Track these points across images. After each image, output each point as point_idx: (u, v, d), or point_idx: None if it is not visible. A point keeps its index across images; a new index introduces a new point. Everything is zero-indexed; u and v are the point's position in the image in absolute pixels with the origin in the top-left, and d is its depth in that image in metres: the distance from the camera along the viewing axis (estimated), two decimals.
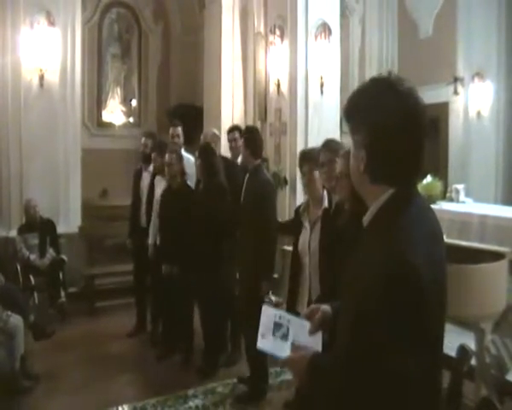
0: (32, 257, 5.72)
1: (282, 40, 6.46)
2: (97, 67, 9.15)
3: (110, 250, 6.60)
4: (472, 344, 3.33)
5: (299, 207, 3.37)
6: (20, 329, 4.19)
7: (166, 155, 4.72)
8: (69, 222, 6.37)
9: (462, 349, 3.29)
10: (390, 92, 1.29)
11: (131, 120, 9.60)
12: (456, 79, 7.88)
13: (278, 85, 6.51)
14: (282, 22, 6.43)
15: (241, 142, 4.53)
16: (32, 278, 5.63)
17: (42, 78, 6.12)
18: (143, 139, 5.54)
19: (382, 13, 8.90)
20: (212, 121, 7.20)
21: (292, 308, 3.04)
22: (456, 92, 7.94)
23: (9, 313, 4.19)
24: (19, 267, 5.64)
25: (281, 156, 6.50)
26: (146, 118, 9.65)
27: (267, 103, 6.81)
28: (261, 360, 3.91)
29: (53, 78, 6.23)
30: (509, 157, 8.30)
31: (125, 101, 9.58)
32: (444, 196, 6.56)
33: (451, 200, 6.62)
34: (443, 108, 8.01)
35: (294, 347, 1.54)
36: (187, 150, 5.34)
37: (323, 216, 3.09)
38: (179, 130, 5.40)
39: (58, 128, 6.31)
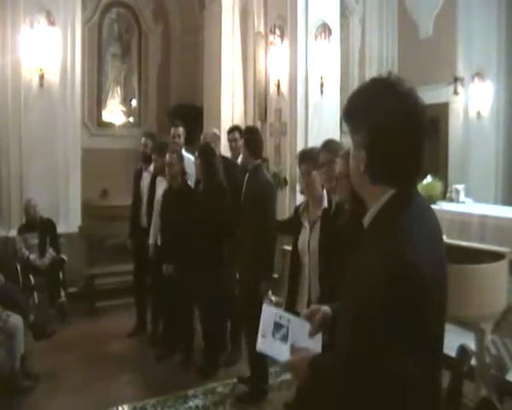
0: (32, 257, 5.72)
1: (282, 40, 6.46)
2: (97, 67, 9.14)
3: (110, 250, 6.60)
4: (472, 344, 3.33)
5: (299, 206, 3.37)
6: (20, 329, 4.19)
7: (167, 155, 4.72)
8: (69, 222, 6.37)
9: (462, 349, 3.29)
10: (390, 93, 1.29)
11: (131, 119, 9.60)
12: (456, 79, 7.89)
13: (278, 85, 6.51)
14: (282, 22, 6.44)
15: (241, 142, 4.54)
16: (31, 277, 5.63)
17: (42, 77, 6.12)
18: (143, 139, 5.54)
19: (382, 13, 8.90)
20: (212, 121, 7.20)
21: (291, 308, 3.04)
22: (456, 92, 7.94)
23: (9, 312, 4.19)
24: (19, 267, 5.64)
25: (281, 157, 6.50)
26: (146, 118, 9.65)
27: (267, 103, 6.81)
28: (261, 360, 3.91)
29: (53, 77, 6.23)
30: (509, 157, 8.30)
31: (125, 101, 9.57)
32: (444, 197, 6.57)
33: (451, 200, 6.62)
34: (443, 108, 8.01)
35: (294, 349, 1.53)
36: (187, 150, 5.34)
37: (323, 216, 3.09)
38: (180, 130, 5.40)
39: (58, 128, 6.31)
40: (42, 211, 5.87)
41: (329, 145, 3.08)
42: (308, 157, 3.21)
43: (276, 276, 4.49)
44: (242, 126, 5.38)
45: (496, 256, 3.30)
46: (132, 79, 9.60)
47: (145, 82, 9.67)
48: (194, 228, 4.40)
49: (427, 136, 1.31)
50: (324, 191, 3.16)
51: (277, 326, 1.62)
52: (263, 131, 6.28)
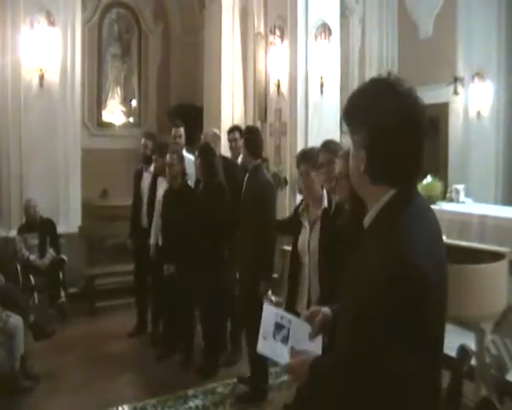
0: (32, 257, 5.72)
1: (282, 40, 6.46)
2: (97, 67, 9.15)
3: (110, 250, 6.60)
4: (472, 344, 3.33)
5: (299, 206, 3.37)
6: (20, 329, 4.19)
7: (167, 156, 4.73)
8: (69, 222, 6.37)
9: (462, 349, 3.30)
10: (389, 93, 1.29)
11: (131, 120, 9.61)
12: (456, 79, 7.89)
13: (278, 86, 6.51)
14: (282, 22, 6.44)
15: (241, 142, 4.54)
16: (32, 278, 5.63)
17: (42, 78, 6.12)
18: (143, 140, 5.53)
19: (382, 13, 8.90)
20: (212, 121, 7.21)
21: (291, 308, 3.04)
22: (456, 92, 7.94)
23: (9, 313, 4.19)
24: (19, 267, 5.64)
25: (281, 157, 6.51)
26: (146, 118, 9.65)
27: (267, 103, 6.81)
28: (262, 361, 3.91)
29: (53, 78, 6.23)
30: (509, 157, 8.30)
31: (125, 101, 9.58)
32: (444, 197, 6.57)
33: (451, 200, 6.62)
34: (443, 108, 8.01)
35: (294, 351, 1.53)
36: (188, 150, 5.34)
37: (323, 216, 3.09)
38: (181, 130, 5.40)
39: (58, 128, 6.31)
40: (42, 211, 5.87)
41: (329, 146, 3.08)
42: (308, 157, 3.21)
43: (276, 276, 4.49)
44: (242, 126, 5.38)
45: (496, 256, 3.31)
46: (132, 79, 9.60)
47: (145, 82, 9.68)
48: (194, 228, 4.41)
49: (427, 136, 1.31)
50: (324, 191, 3.16)
51: (278, 327, 1.62)
52: (263, 131, 6.28)
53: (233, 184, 4.43)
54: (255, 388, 4.05)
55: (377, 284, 1.19)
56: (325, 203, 3.13)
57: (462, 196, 6.64)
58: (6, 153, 6.12)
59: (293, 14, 6.25)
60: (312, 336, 1.55)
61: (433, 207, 1.48)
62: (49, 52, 6.12)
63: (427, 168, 5.03)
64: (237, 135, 4.96)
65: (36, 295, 5.58)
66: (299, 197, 5.75)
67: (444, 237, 1.43)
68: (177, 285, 4.56)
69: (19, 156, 6.10)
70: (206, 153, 4.47)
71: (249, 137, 4.20)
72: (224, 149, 5.50)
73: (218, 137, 5.32)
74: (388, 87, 1.30)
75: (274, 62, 6.60)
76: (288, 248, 3.72)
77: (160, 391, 4.13)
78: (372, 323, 1.19)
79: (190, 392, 4.12)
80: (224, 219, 4.27)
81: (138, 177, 5.55)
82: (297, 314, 1.75)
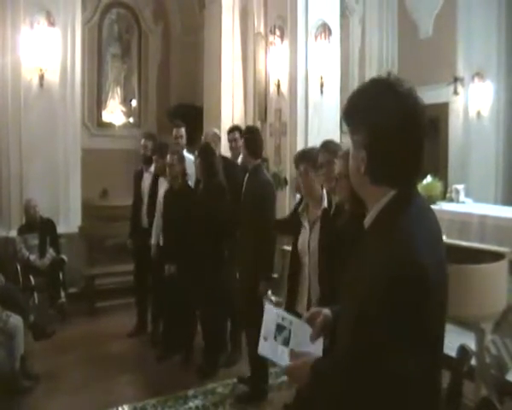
0: (32, 257, 5.72)
1: (282, 40, 6.46)
2: (97, 67, 9.15)
3: (110, 250, 6.60)
4: (472, 344, 3.33)
5: (299, 204, 3.37)
6: (20, 329, 4.19)
7: (168, 156, 4.73)
8: (69, 222, 6.37)
9: (462, 349, 3.29)
10: (389, 93, 1.29)
11: (131, 120, 9.60)
12: (456, 79, 7.89)
13: (278, 86, 6.51)
14: (282, 22, 6.44)
15: (241, 142, 4.54)
16: (32, 278, 5.63)
17: (42, 78, 6.12)
18: (143, 141, 5.52)
19: (382, 13, 8.90)
20: (212, 121, 7.21)
21: (291, 308, 3.04)
22: (456, 92, 7.94)
23: (9, 313, 4.19)
24: (19, 267, 5.64)
25: (281, 157, 6.51)
26: (146, 118, 9.65)
27: (267, 103, 6.81)
28: (262, 361, 3.90)
29: (53, 78, 6.23)
30: (509, 157, 8.30)
31: (125, 101, 9.57)
32: (444, 197, 6.57)
33: (451, 200, 6.62)
34: (443, 108, 8.01)
35: (295, 354, 1.52)
36: (188, 151, 5.34)
37: (323, 216, 3.09)
38: (182, 131, 5.41)
39: (58, 128, 6.31)
40: (42, 211, 5.86)
41: (328, 146, 3.08)
42: (307, 157, 3.21)
43: (276, 276, 4.49)
44: (242, 126, 5.38)
45: (496, 256, 3.31)
46: (132, 79, 9.60)
47: (145, 82, 9.67)
48: (194, 228, 4.41)
49: (427, 136, 1.31)
50: (324, 191, 3.16)
51: (279, 328, 1.61)
52: (263, 131, 6.28)
53: (233, 184, 4.43)
54: (255, 388, 4.05)
55: (378, 285, 1.19)
56: (325, 203, 3.13)
57: (462, 196, 6.64)
58: (6, 153, 6.12)
59: (293, 14, 6.25)
60: (314, 338, 1.54)
61: (433, 207, 1.48)
62: (49, 52, 6.12)
63: (427, 168, 5.04)
64: (237, 135, 4.97)
65: (36, 295, 5.58)
66: (299, 197, 5.77)
67: (444, 237, 1.43)
68: (177, 285, 4.57)
69: (19, 156, 6.10)
70: (206, 153, 4.47)
71: (249, 137, 4.20)
72: (224, 149, 5.50)
73: (218, 137, 5.32)
74: (388, 87, 1.30)
75: (274, 62, 6.60)
76: (288, 248, 3.72)
77: (160, 391, 4.12)
78: (372, 323, 1.19)
79: (190, 392, 4.12)
80: (224, 219, 4.27)
81: (138, 177, 5.55)
82: (297, 315, 1.74)
